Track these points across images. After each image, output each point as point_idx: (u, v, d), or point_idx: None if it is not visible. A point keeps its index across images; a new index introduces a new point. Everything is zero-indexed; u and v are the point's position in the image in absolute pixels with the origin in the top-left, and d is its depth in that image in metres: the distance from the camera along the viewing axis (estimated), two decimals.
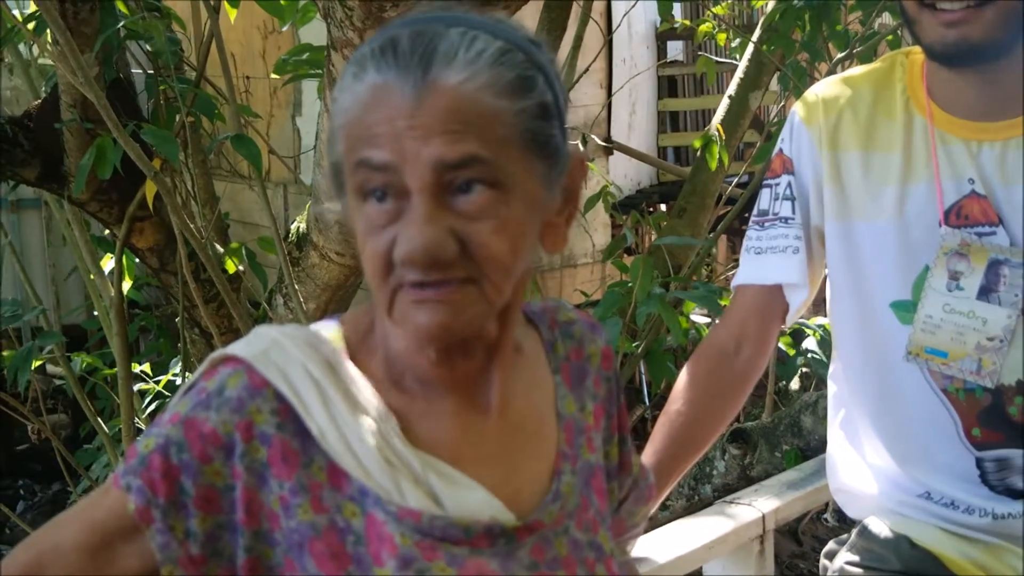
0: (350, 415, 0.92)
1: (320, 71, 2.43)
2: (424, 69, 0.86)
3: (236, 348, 0.94)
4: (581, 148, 3.31)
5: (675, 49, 7.67)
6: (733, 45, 4.32)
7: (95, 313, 3.36)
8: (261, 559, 0.91)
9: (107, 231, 3.10)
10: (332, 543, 0.90)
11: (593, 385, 1.08)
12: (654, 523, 1.52)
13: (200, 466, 0.89)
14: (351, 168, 0.89)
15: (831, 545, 1.67)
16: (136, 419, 2.93)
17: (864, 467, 1.61)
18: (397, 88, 0.86)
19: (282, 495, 0.90)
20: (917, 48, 1.52)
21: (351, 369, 0.95)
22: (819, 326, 3.10)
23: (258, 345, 0.94)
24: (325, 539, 0.90)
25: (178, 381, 3.09)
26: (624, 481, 1.15)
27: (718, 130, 3.74)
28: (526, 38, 0.92)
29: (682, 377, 1.64)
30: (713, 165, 3.69)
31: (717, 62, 4.49)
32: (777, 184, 1.62)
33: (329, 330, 0.98)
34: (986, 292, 1.47)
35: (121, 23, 2.45)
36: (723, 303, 2.67)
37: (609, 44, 6.35)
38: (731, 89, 4.17)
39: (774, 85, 4.41)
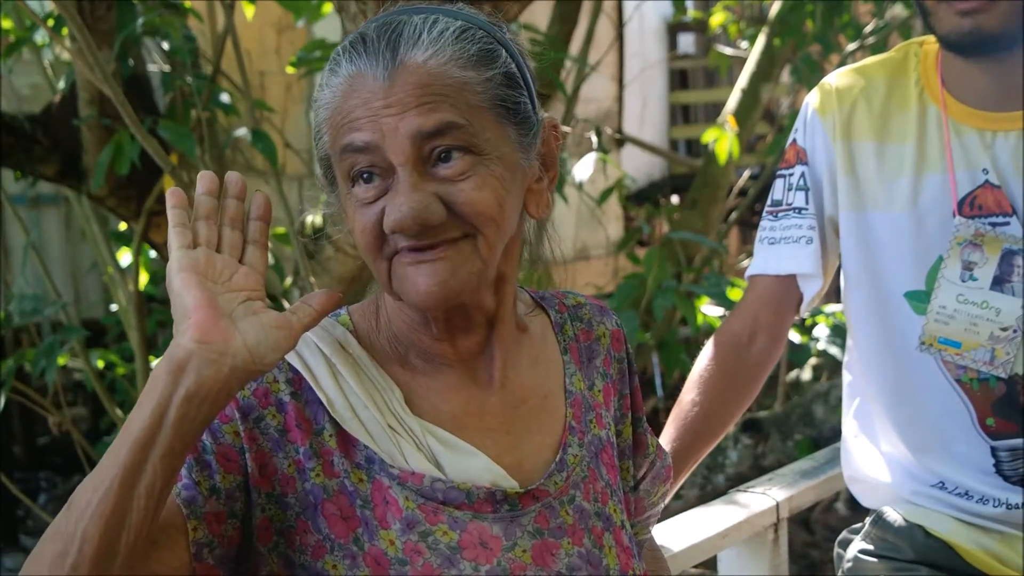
0: (357, 386, 0.98)
1: None
2: (392, 52, 0.93)
3: None
4: (593, 139, 3.31)
5: (686, 42, 7.67)
6: (745, 38, 4.31)
7: (112, 307, 3.38)
8: (272, 521, 0.96)
9: (125, 225, 3.12)
10: (342, 505, 0.96)
11: (603, 365, 1.13)
12: (667, 512, 1.53)
13: (219, 424, 0.94)
14: (337, 156, 0.96)
15: (845, 534, 1.68)
16: None
17: (879, 456, 1.62)
18: (370, 73, 0.93)
19: (297, 459, 0.96)
20: (931, 38, 1.53)
21: (358, 348, 1.01)
22: (831, 313, 3.11)
23: None
24: (336, 501, 0.96)
25: None
26: (640, 461, 1.18)
27: (729, 122, 3.74)
28: (485, 19, 0.99)
29: (696, 367, 1.65)
30: (723, 159, 3.69)
31: (729, 55, 4.50)
32: (791, 174, 1.62)
33: (339, 316, 1.04)
34: (1000, 282, 1.48)
35: (140, 20, 2.47)
36: (732, 295, 2.68)
37: (620, 38, 6.35)
38: (742, 81, 4.17)
39: (785, 77, 4.41)
